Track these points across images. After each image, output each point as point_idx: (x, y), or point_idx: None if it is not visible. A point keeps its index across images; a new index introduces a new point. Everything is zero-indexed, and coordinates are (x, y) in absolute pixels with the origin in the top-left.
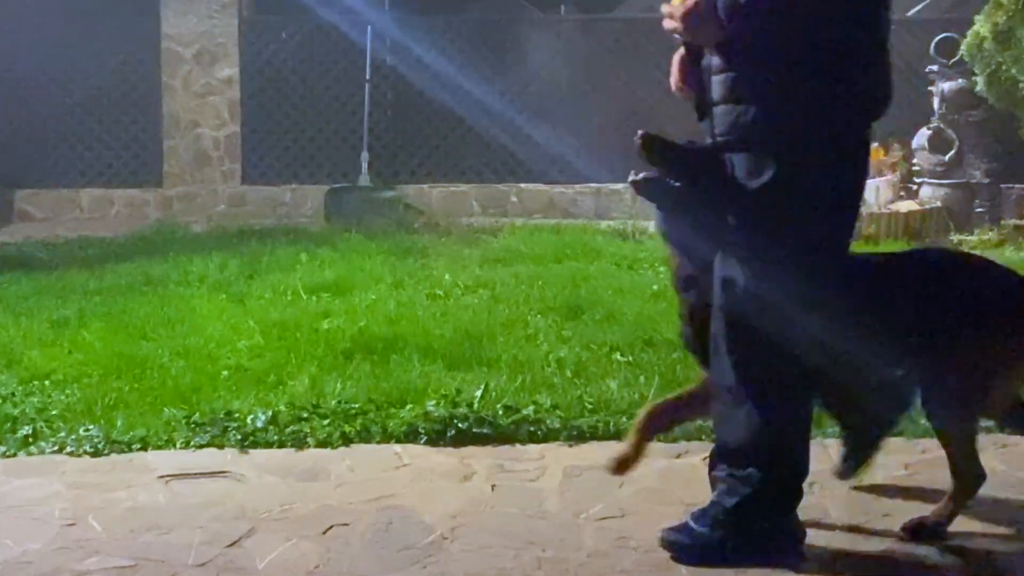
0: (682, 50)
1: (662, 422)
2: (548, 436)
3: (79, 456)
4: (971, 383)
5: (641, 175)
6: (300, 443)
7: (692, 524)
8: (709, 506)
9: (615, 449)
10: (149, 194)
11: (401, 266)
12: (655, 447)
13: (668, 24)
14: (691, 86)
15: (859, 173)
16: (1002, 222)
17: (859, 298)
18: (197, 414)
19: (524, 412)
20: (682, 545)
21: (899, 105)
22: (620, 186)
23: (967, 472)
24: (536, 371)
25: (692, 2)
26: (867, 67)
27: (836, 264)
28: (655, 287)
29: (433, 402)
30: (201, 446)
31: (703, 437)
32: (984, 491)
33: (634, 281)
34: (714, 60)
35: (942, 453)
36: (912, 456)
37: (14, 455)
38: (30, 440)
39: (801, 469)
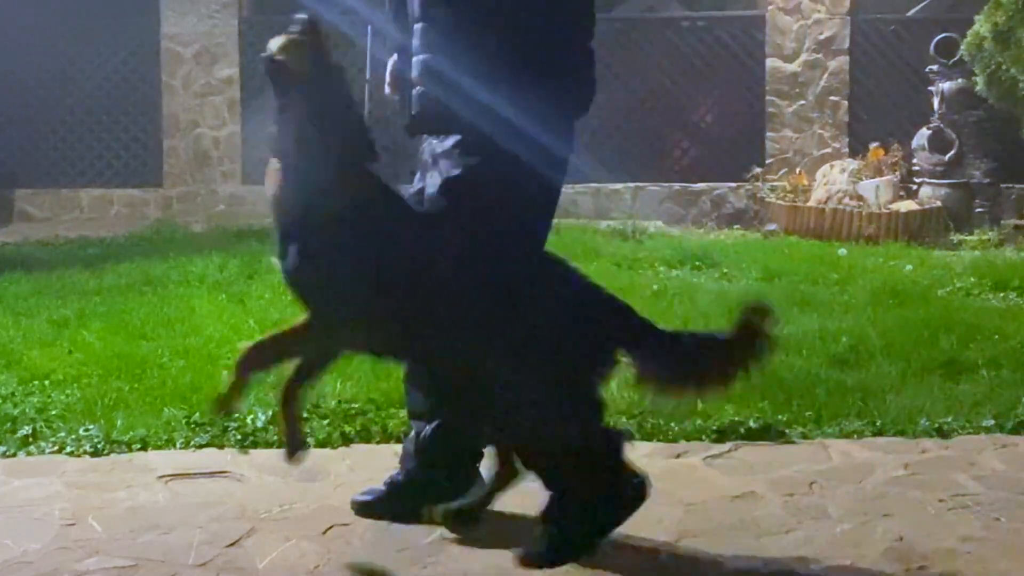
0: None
1: (263, 360)
2: None
3: (79, 456)
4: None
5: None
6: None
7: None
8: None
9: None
10: (149, 194)
11: None
12: (652, 447)
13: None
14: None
15: (557, 172)
16: (1002, 222)
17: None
18: (197, 414)
19: None
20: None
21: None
22: (620, 186)
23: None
24: None
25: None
26: (563, 62)
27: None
28: (655, 287)
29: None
30: (201, 446)
31: (703, 437)
32: (982, 490)
33: (633, 281)
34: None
35: (942, 453)
36: (913, 455)
37: (14, 455)
38: (30, 440)
39: None
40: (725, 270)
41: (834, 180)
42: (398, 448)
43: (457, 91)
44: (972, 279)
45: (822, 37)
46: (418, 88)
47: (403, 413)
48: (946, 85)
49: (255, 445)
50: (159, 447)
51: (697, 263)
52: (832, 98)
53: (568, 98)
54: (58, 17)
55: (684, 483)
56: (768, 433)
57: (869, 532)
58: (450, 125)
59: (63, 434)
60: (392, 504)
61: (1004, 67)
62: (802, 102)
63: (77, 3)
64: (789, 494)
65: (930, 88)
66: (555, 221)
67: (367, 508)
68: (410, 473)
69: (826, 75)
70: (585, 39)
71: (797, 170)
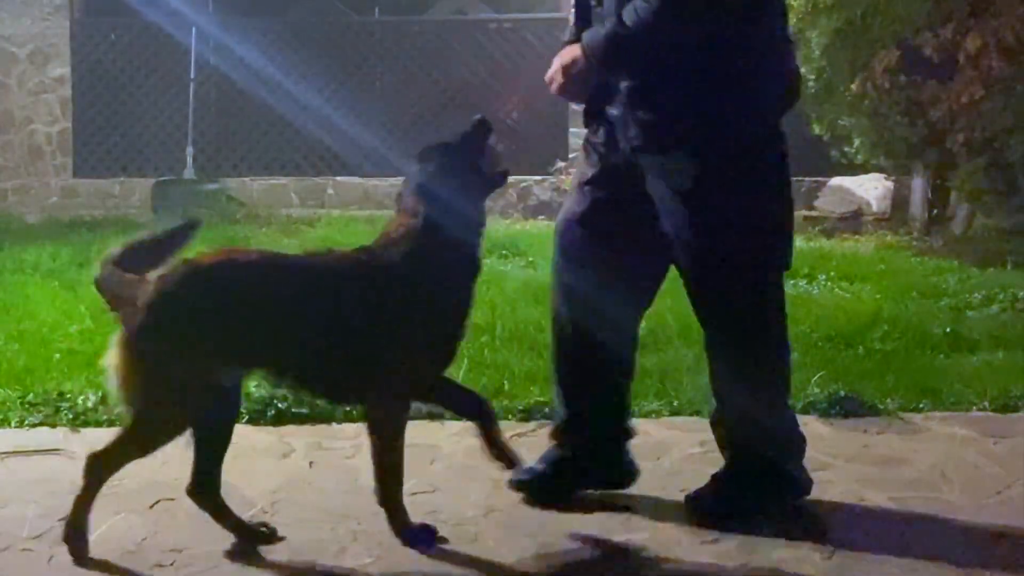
0: (580, 60)
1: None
2: (363, 416)
3: None
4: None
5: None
6: None
7: (713, 489)
8: (724, 472)
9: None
10: None
11: None
12: (463, 426)
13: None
14: (581, 95)
15: (782, 158)
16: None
17: None
18: (31, 395)
19: None
20: (704, 508)
21: None
22: None
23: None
24: None
25: (568, 59)
26: (764, 60)
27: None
28: None
29: (254, 383)
30: (35, 425)
31: (510, 417)
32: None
33: None
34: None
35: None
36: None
37: None
38: None
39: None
40: (531, 258)
41: None
42: None
43: (668, 111)
44: None
45: None
46: (636, 113)
47: None
48: None
49: (86, 424)
50: None
51: (504, 252)
52: None
53: (772, 90)
54: None
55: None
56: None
57: (666, 506)
58: (672, 142)
59: None
60: (550, 484)
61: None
62: None
63: None
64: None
65: None
66: (371, 213)
67: (522, 486)
68: (563, 455)
69: None
70: (774, 32)
71: None
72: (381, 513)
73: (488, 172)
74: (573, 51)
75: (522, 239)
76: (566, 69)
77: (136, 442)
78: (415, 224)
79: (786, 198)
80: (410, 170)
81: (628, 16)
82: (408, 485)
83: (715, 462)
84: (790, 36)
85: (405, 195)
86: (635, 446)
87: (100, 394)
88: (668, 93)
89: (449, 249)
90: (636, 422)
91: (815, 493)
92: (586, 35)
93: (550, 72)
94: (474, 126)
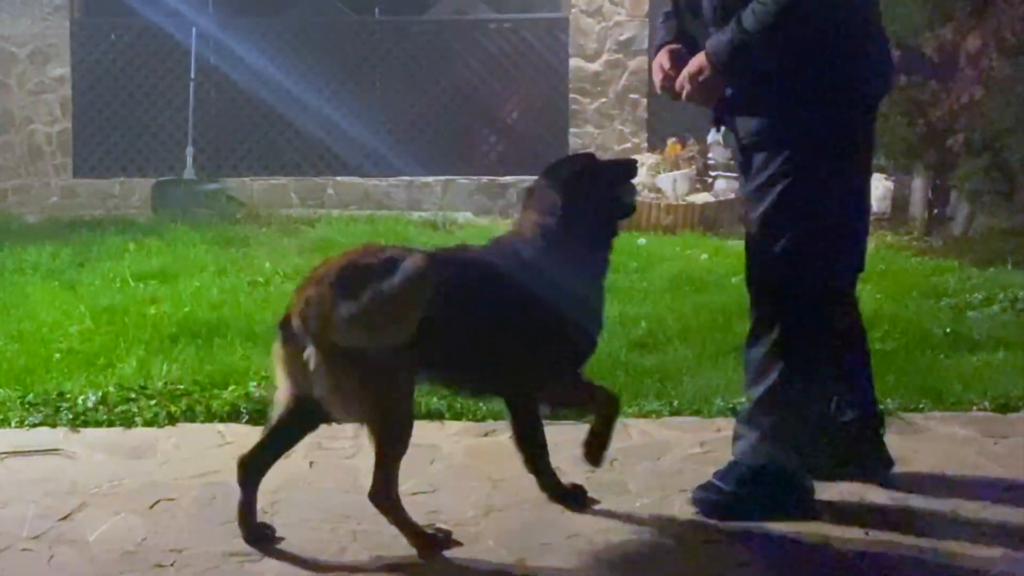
0: (706, 67)
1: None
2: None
3: None
4: None
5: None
6: (128, 422)
7: (718, 483)
8: (732, 465)
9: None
10: None
11: (224, 255)
12: (463, 426)
13: (670, 84)
14: (710, 100)
15: (869, 148)
16: None
17: None
18: (31, 395)
19: None
20: (710, 502)
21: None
22: (431, 179)
23: None
24: None
25: (695, 68)
26: (858, 54)
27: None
28: None
29: (255, 383)
30: (34, 425)
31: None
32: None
33: None
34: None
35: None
36: (708, 434)
37: None
38: None
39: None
40: None
41: None
42: (222, 427)
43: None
44: None
45: (622, 38)
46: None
47: (226, 394)
48: None
49: (85, 424)
50: None
51: None
52: (632, 96)
53: (864, 83)
54: None
55: (492, 460)
56: (572, 414)
57: (667, 506)
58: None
59: None
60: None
61: None
62: (603, 99)
63: None
64: (591, 471)
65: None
66: (369, 212)
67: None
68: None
69: (626, 74)
70: (866, 23)
71: None
72: (381, 513)
73: (624, 199)
74: (700, 59)
75: None
76: (693, 77)
77: (395, 453)
78: (551, 223)
79: (866, 198)
80: (551, 172)
81: (748, 21)
82: (408, 485)
83: (715, 462)
84: (883, 28)
85: (539, 193)
86: (635, 446)
87: (100, 394)
88: (775, 93)
89: (584, 248)
90: (636, 422)
91: (815, 493)
92: (710, 42)
93: (679, 80)
94: (627, 160)
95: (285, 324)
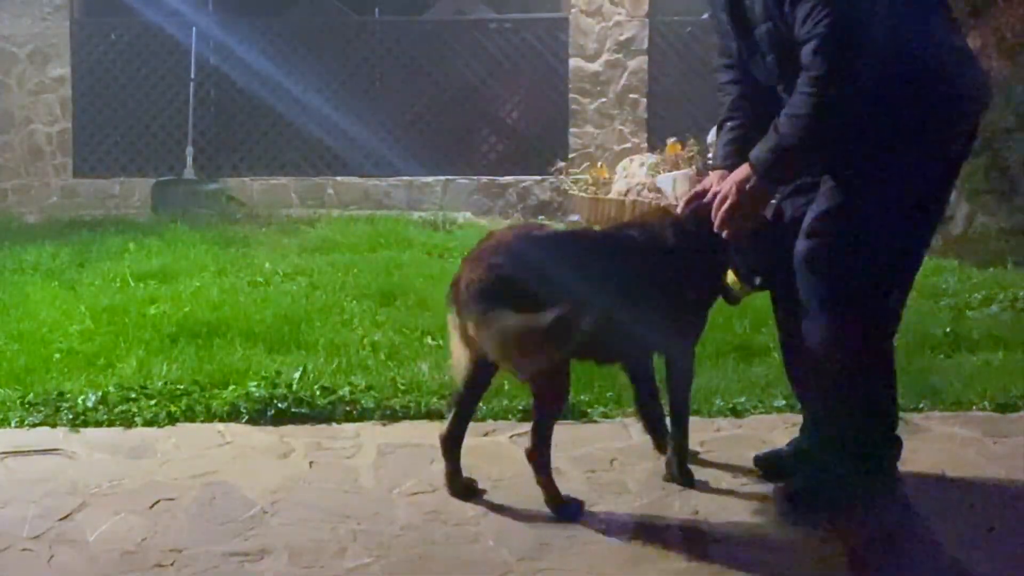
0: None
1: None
2: (363, 415)
3: None
4: None
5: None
6: (128, 422)
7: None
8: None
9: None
10: None
11: (224, 255)
12: None
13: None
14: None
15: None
16: None
17: None
18: (31, 395)
19: (340, 393)
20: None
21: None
22: (431, 179)
23: None
24: (352, 354)
25: (742, 176)
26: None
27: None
28: None
29: (254, 383)
30: (35, 425)
31: (509, 417)
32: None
33: (444, 269)
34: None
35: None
36: (708, 434)
37: None
38: None
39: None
40: None
41: (633, 173)
42: (222, 427)
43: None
44: None
45: (622, 38)
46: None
47: (226, 394)
48: None
49: (85, 424)
50: None
51: None
52: (632, 96)
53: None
54: None
55: (492, 460)
56: (571, 412)
57: (667, 506)
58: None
59: None
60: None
61: None
62: (603, 99)
63: None
64: (591, 471)
65: None
66: (369, 212)
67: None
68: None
69: (626, 74)
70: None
71: (599, 164)
72: (381, 513)
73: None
74: (744, 170)
75: None
76: (739, 186)
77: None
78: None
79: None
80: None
81: (785, 128)
82: (408, 485)
83: (715, 462)
84: (962, 43)
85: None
86: (635, 446)
87: (100, 393)
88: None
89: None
90: (637, 422)
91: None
92: (752, 153)
93: (723, 190)
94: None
95: (454, 296)
